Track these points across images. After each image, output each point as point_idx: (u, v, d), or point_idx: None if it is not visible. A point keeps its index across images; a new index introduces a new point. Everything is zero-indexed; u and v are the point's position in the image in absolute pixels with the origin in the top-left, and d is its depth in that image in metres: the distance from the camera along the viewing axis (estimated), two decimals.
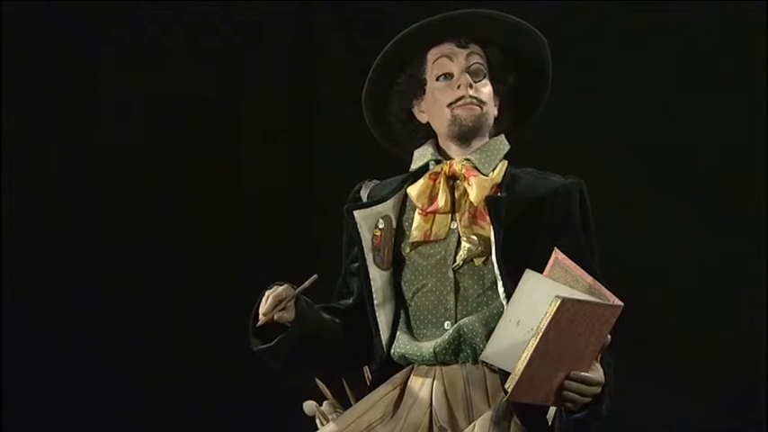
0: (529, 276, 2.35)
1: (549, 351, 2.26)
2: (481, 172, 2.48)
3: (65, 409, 4.88)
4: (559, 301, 2.20)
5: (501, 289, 2.38)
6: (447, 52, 2.52)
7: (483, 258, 2.43)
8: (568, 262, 2.36)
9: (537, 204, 2.45)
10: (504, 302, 2.38)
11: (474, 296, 2.44)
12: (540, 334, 2.23)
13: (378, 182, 2.63)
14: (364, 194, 2.61)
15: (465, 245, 2.44)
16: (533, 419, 2.38)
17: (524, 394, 2.31)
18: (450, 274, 2.44)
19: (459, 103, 2.50)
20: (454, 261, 2.45)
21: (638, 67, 4.58)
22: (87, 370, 4.88)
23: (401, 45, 2.58)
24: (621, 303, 2.30)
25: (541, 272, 2.38)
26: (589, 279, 2.35)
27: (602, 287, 2.34)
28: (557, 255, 2.38)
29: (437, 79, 2.52)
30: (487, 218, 2.43)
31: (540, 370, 2.28)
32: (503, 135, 2.55)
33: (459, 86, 2.49)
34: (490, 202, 2.43)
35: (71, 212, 4.90)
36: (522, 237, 2.42)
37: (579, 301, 2.28)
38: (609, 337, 2.30)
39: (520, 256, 2.37)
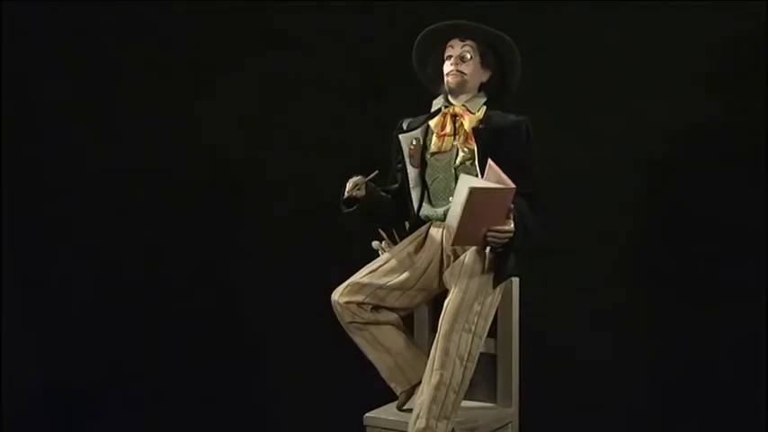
0: (462, 178, 3.51)
1: (472, 216, 3.40)
2: (471, 112, 3.74)
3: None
4: (468, 190, 3.35)
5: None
6: (452, 43, 3.75)
7: (471, 161, 3.69)
8: (494, 166, 3.42)
9: (501, 132, 3.68)
10: None
11: None
12: (464, 207, 3.38)
13: (412, 118, 3.85)
14: (405, 124, 3.86)
15: (461, 154, 3.71)
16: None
17: (462, 241, 3.49)
18: (452, 171, 3.72)
19: (450, 73, 3.74)
20: (455, 163, 3.72)
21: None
22: None
23: (431, 35, 3.79)
24: (514, 186, 3.39)
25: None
26: (503, 176, 3.37)
27: (507, 179, 3.36)
28: (490, 162, 3.43)
29: (446, 58, 3.77)
30: (474, 139, 3.70)
31: (468, 227, 3.43)
32: (483, 92, 3.76)
33: (452, 64, 3.73)
34: (476, 130, 3.70)
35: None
36: (491, 150, 3.62)
37: (484, 188, 3.39)
38: (512, 205, 3.45)
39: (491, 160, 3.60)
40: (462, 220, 3.43)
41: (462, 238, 3.49)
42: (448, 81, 3.79)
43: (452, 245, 3.60)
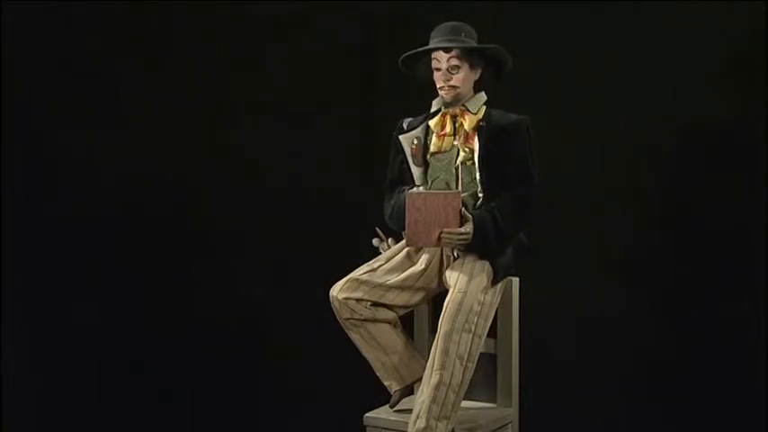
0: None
1: (418, 219, 3.58)
2: (471, 112, 3.75)
3: None
4: (407, 195, 3.60)
5: (478, 177, 3.70)
6: (437, 56, 3.74)
7: (471, 161, 3.73)
8: None
9: (502, 130, 3.72)
10: (479, 186, 3.69)
11: (466, 182, 3.74)
12: (407, 211, 3.58)
13: (412, 118, 3.86)
14: (405, 125, 3.88)
15: (461, 153, 3.75)
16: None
17: (416, 242, 3.64)
18: (454, 170, 3.76)
19: (443, 89, 3.76)
20: (455, 162, 3.75)
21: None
22: None
23: (419, 53, 3.78)
24: (459, 191, 3.65)
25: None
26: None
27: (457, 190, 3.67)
28: None
29: (435, 69, 3.76)
30: (475, 138, 3.72)
31: (419, 229, 3.59)
32: (483, 92, 3.77)
33: (443, 80, 3.73)
34: (479, 127, 3.72)
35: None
36: (492, 148, 3.69)
37: (423, 192, 3.66)
38: (463, 208, 3.59)
39: (490, 159, 3.69)
40: (408, 223, 3.59)
41: (414, 239, 3.63)
42: (443, 96, 3.81)
43: (406, 246, 3.72)
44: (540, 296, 4.20)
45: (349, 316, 3.74)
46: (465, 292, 3.60)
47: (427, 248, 3.79)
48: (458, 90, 3.78)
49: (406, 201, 3.57)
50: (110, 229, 5.07)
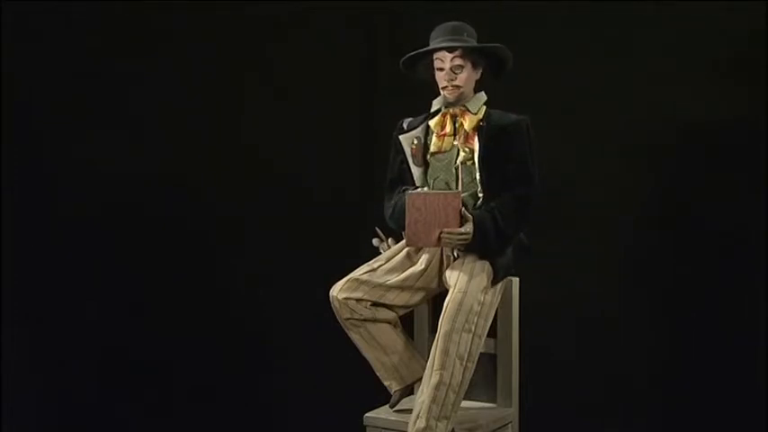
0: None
1: (419, 219, 3.60)
2: (471, 112, 3.77)
3: None
4: (407, 195, 3.62)
5: (478, 177, 3.71)
6: (440, 56, 3.76)
7: (471, 161, 3.74)
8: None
9: (502, 130, 3.73)
10: (479, 186, 3.71)
11: (467, 182, 3.76)
12: (407, 212, 3.59)
13: (412, 118, 3.88)
14: (405, 125, 3.89)
15: (461, 153, 3.76)
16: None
17: (416, 242, 3.65)
18: (454, 170, 3.77)
19: (446, 89, 3.78)
20: (455, 162, 3.77)
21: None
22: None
23: (422, 53, 3.79)
24: (459, 191, 3.67)
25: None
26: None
27: (457, 190, 3.69)
28: None
29: (438, 69, 3.78)
30: (475, 138, 3.74)
31: (419, 229, 3.61)
32: (483, 92, 3.79)
33: (446, 79, 3.75)
34: (479, 127, 3.73)
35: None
36: (491, 148, 3.71)
37: (423, 192, 3.68)
38: (463, 208, 3.60)
39: (490, 159, 3.70)
40: (408, 223, 3.60)
41: (414, 239, 3.64)
42: (446, 96, 3.83)
43: (406, 246, 3.72)
44: (540, 296, 4.22)
45: (349, 316, 3.75)
46: (465, 292, 3.62)
47: (427, 248, 3.81)
48: (461, 90, 3.79)
49: (406, 201, 3.59)
50: (110, 229, 5.08)
